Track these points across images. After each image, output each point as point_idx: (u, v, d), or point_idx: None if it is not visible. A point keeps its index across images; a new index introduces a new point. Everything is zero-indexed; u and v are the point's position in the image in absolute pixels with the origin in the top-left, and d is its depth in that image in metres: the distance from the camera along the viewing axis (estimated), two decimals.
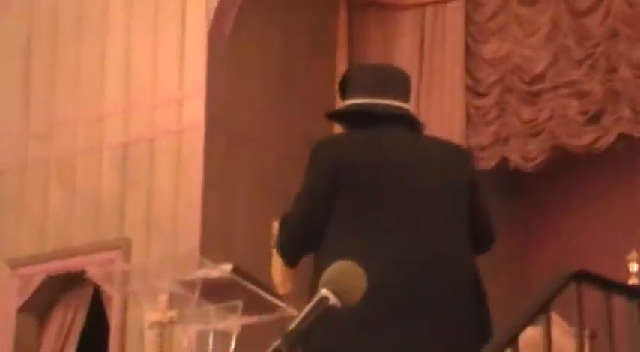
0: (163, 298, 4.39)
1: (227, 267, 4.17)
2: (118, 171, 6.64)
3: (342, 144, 2.83)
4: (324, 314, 1.76)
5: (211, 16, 6.42)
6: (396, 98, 2.85)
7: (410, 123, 2.87)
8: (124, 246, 6.46)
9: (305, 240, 2.84)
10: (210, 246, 6.07)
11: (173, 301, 4.34)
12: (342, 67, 7.14)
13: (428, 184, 2.75)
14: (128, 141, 6.66)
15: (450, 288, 2.66)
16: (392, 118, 2.83)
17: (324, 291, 1.81)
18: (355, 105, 2.85)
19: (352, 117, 2.87)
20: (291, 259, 2.93)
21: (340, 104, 2.99)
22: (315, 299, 1.80)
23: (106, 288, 6.18)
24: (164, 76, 6.59)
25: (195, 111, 6.38)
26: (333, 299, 1.79)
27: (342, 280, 1.82)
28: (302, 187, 2.87)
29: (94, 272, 6.06)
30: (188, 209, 6.26)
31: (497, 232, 2.92)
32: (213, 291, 4.09)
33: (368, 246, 2.62)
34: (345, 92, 2.92)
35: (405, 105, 2.87)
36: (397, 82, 2.90)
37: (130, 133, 6.68)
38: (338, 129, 6.70)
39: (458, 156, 2.87)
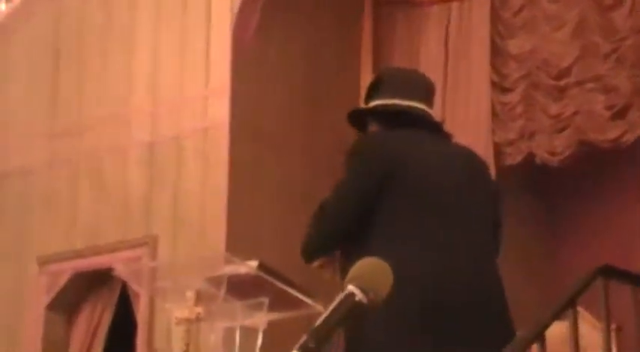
0: (190, 295, 4.41)
1: (253, 264, 4.18)
2: (145, 170, 6.68)
3: (393, 143, 2.78)
4: (350, 311, 1.76)
5: (235, 16, 6.44)
6: (425, 103, 2.88)
7: (439, 129, 2.89)
8: (151, 244, 6.49)
9: (337, 237, 2.80)
10: (237, 243, 6.10)
11: (200, 298, 4.36)
12: (367, 66, 7.15)
13: (466, 192, 2.78)
14: (155, 140, 6.71)
15: (485, 306, 2.65)
16: (426, 122, 2.85)
17: (351, 287, 1.81)
18: (395, 105, 2.84)
19: (386, 117, 2.86)
20: (316, 252, 2.88)
21: (365, 105, 2.99)
22: (342, 295, 1.81)
23: (133, 286, 6.21)
24: (190, 75, 6.63)
25: (220, 109, 6.41)
26: (359, 296, 1.79)
27: (368, 276, 1.83)
28: (347, 179, 2.78)
29: (121, 270, 6.10)
30: (214, 207, 6.29)
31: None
32: (240, 288, 4.11)
33: (419, 251, 2.61)
34: (374, 93, 2.91)
35: (431, 111, 2.91)
36: (426, 88, 2.94)
37: (156, 132, 6.72)
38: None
39: (483, 165, 2.92)
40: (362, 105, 3.02)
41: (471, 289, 2.61)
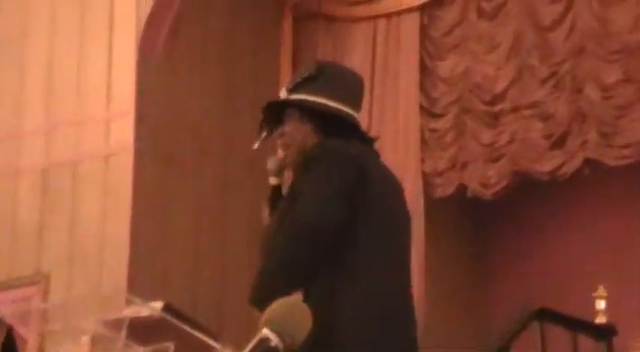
0: (86, 340, 4.34)
1: (158, 305, 4.14)
2: (37, 198, 6.58)
3: (360, 153, 2.77)
4: None
5: (142, 30, 6.41)
6: (358, 111, 2.90)
7: (373, 144, 2.92)
8: (42, 282, 6.39)
9: (317, 256, 2.61)
10: (140, 282, 6.03)
11: (97, 343, 4.30)
12: (285, 83, 7.17)
13: (405, 220, 2.84)
14: (49, 165, 6.61)
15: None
16: (364, 136, 2.88)
17: (266, 332, 1.80)
18: (339, 110, 2.83)
19: (324, 119, 2.84)
20: (294, 283, 2.58)
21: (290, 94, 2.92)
22: (255, 340, 1.79)
23: (21, 329, 6.08)
24: (90, 94, 6.55)
25: (124, 132, 6.35)
26: (275, 341, 1.78)
27: (286, 319, 1.82)
28: (318, 185, 2.67)
29: (7, 311, 5.97)
30: (115, 240, 6.21)
31: None
32: (142, 332, 4.06)
33: (387, 275, 2.66)
34: (305, 84, 2.87)
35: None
36: (361, 95, 2.95)
37: (51, 156, 6.62)
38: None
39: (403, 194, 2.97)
40: (284, 93, 2.93)
41: (413, 332, 2.74)
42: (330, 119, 2.83)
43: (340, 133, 2.81)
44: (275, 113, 2.94)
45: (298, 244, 2.61)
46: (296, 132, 2.86)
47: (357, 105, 2.89)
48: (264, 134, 2.95)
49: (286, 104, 2.91)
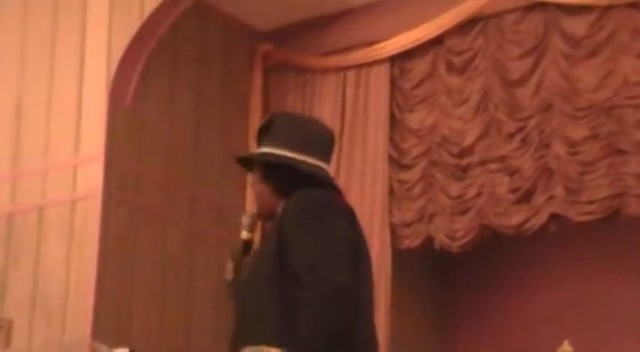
0: None
1: None
2: (0, 243, 6.57)
3: (345, 207, 2.79)
4: None
5: (112, 77, 6.46)
6: (327, 161, 2.89)
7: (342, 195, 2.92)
8: (4, 328, 6.35)
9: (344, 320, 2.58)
10: (105, 329, 6.03)
11: None
12: (255, 133, 7.23)
13: (368, 266, 2.84)
14: (14, 210, 6.61)
15: None
16: (333, 188, 2.87)
17: None
18: (306, 163, 2.82)
19: (286, 173, 2.85)
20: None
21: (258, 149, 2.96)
22: None
23: None
24: (58, 139, 6.58)
25: (91, 179, 6.37)
26: None
27: None
28: (318, 242, 2.62)
29: None
30: (80, 287, 6.21)
31: None
32: None
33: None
34: (269, 137, 2.88)
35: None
36: (330, 142, 2.94)
37: (16, 201, 6.63)
38: (250, 202, 6.79)
39: None
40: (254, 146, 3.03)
41: None
42: (295, 173, 2.84)
43: (302, 183, 2.81)
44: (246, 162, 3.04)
45: (334, 313, 2.55)
46: (259, 187, 2.93)
47: (322, 154, 2.89)
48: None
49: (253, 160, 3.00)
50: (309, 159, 2.85)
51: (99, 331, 5.97)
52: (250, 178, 3.03)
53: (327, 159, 2.91)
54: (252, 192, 3.01)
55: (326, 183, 2.85)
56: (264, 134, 2.94)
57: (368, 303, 2.76)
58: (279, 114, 3.02)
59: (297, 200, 2.75)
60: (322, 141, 2.92)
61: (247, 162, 3.03)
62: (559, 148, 6.36)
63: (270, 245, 2.75)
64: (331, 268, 2.58)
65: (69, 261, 6.32)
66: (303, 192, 2.76)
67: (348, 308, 2.56)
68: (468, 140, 6.68)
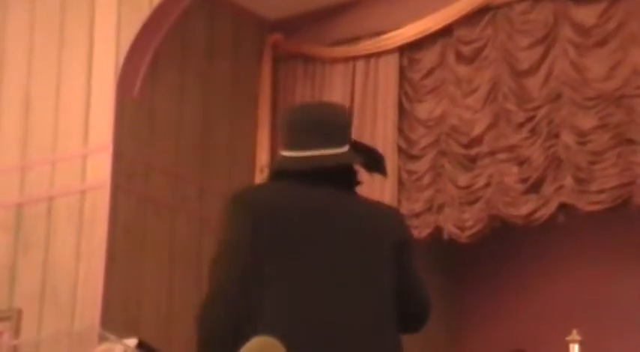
0: None
1: (132, 342, 4.17)
2: (10, 234, 6.60)
3: (262, 193, 2.76)
4: None
5: (120, 67, 6.48)
6: (322, 146, 2.81)
7: (338, 174, 2.82)
8: (13, 318, 6.39)
9: (237, 316, 2.58)
10: (113, 320, 6.05)
11: None
12: (264, 124, 7.25)
13: (348, 251, 2.71)
14: (23, 201, 6.64)
15: None
16: (316, 172, 2.79)
17: None
18: (284, 158, 2.81)
19: (275, 171, 2.84)
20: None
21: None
22: None
23: None
24: (67, 130, 6.61)
25: (100, 169, 6.40)
26: None
27: None
28: (218, 248, 2.67)
29: None
30: (89, 277, 6.24)
31: (431, 304, 2.84)
32: None
33: (292, 324, 2.56)
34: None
35: (340, 150, 2.81)
36: (325, 126, 2.84)
37: (25, 191, 6.66)
38: None
39: (387, 220, 2.83)
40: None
41: None
42: (271, 171, 2.87)
43: (277, 176, 2.82)
44: None
45: (211, 315, 2.60)
46: None
47: (300, 142, 2.81)
48: None
49: None
50: (292, 153, 2.81)
51: (108, 321, 5.99)
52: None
53: (326, 143, 2.82)
54: None
55: (307, 174, 2.79)
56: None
57: (319, 290, 2.64)
58: (285, 111, 3.03)
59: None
60: (318, 128, 2.83)
61: None
62: (568, 138, 6.36)
63: None
64: (216, 276, 2.64)
65: (78, 251, 6.35)
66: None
67: (231, 308, 2.59)
68: (477, 130, 6.68)
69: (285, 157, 2.81)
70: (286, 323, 2.56)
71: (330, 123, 2.85)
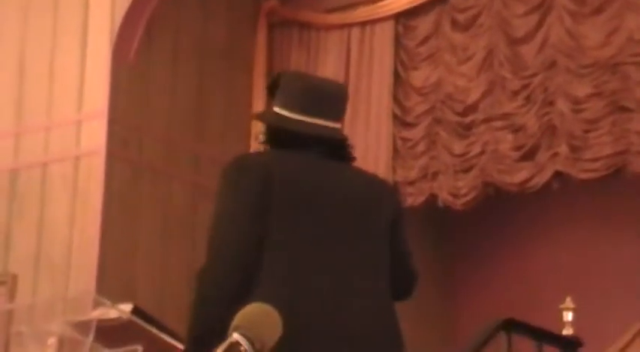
0: (52, 342, 4.37)
1: (126, 307, 4.17)
2: (4, 199, 6.59)
3: (267, 159, 2.75)
4: None
5: (115, 34, 6.44)
6: (328, 118, 2.86)
7: (338, 148, 2.87)
8: (8, 283, 6.39)
9: (241, 275, 2.58)
10: (108, 285, 6.06)
11: (64, 345, 4.33)
12: (259, 91, 7.22)
13: (348, 221, 2.76)
14: (18, 166, 6.62)
15: (368, 338, 2.68)
16: (320, 142, 2.84)
17: (236, 336, 1.86)
18: (286, 119, 2.82)
19: (277, 131, 2.84)
20: (221, 316, 2.41)
21: (268, 107, 2.98)
22: (225, 344, 1.85)
23: None
24: (61, 96, 6.57)
25: (95, 135, 6.38)
26: (245, 345, 1.84)
27: (255, 324, 1.87)
28: (222, 212, 2.67)
29: None
30: (84, 243, 6.24)
31: (418, 274, 2.93)
32: (110, 335, 4.09)
33: (295, 292, 2.60)
34: (274, 95, 2.88)
35: (337, 126, 2.88)
36: (333, 99, 2.90)
37: (20, 157, 6.63)
38: None
39: (382, 191, 2.92)
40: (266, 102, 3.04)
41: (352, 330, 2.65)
42: (272, 129, 2.84)
43: (278, 142, 2.81)
44: None
45: (210, 286, 2.59)
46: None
47: (310, 108, 2.84)
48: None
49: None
50: (299, 117, 2.83)
51: (103, 287, 5.99)
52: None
53: (331, 116, 2.88)
54: None
55: (312, 142, 2.82)
56: (272, 93, 2.94)
57: (322, 257, 2.68)
58: (286, 73, 3.02)
59: (222, 169, 2.78)
60: (326, 99, 2.89)
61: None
62: (563, 106, 6.35)
63: None
64: (222, 231, 2.65)
65: (73, 217, 6.34)
66: (228, 162, 2.79)
67: (238, 271, 2.58)
68: (472, 97, 6.66)
69: (289, 118, 2.82)
70: (286, 290, 2.59)
71: (340, 98, 2.91)
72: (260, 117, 2.96)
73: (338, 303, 2.65)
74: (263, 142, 2.88)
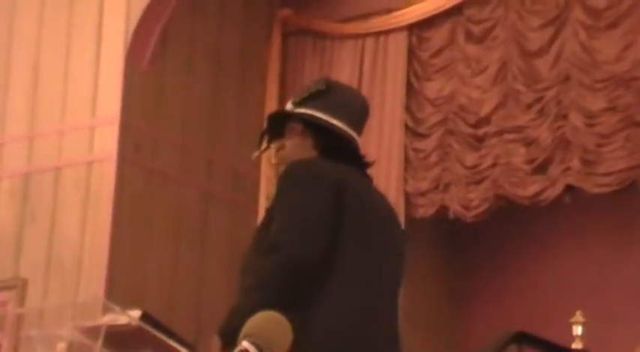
0: (62, 347, 4.36)
1: (136, 314, 4.16)
2: (17, 203, 6.60)
3: (337, 172, 2.74)
4: None
5: (130, 40, 6.45)
6: (360, 134, 2.90)
7: (366, 166, 2.91)
8: (19, 287, 6.39)
9: (300, 287, 2.55)
10: (118, 291, 6.06)
11: (73, 350, 4.32)
12: (272, 99, 7.23)
13: (391, 241, 2.83)
14: (30, 170, 6.63)
15: None
16: (358, 158, 2.87)
17: (246, 344, 1.85)
18: (342, 131, 2.81)
19: (325, 136, 2.83)
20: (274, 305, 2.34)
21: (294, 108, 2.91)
22: (235, 351, 1.85)
23: None
24: (75, 101, 6.59)
25: (108, 140, 6.39)
26: None
27: (266, 333, 1.87)
28: (292, 208, 2.63)
29: None
30: (94, 248, 6.24)
31: None
32: (119, 340, 4.08)
33: (365, 311, 2.66)
34: (312, 100, 2.86)
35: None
36: (364, 114, 2.95)
37: (33, 161, 6.64)
38: (266, 167, 6.79)
39: (395, 214, 2.97)
40: (289, 105, 2.92)
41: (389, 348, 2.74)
42: (331, 138, 2.82)
43: (336, 153, 2.80)
44: (278, 125, 2.91)
45: (276, 285, 2.54)
46: (295, 146, 2.84)
47: (359, 127, 2.88)
48: (264, 145, 2.92)
49: (290, 117, 2.89)
50: (347, 129, 2.86)
51: (112, 293, 5.99)
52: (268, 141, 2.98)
53: (360, 130, 2.92)
54: (279, 155, 2.91)
55: (354, 156, 2.85)
56: (310, 97, 2.90)
57: (376, 282, 2.73)
58: (332, 81, 3.00)
59: (287, 169, 2.74)
60: (361, 115, 2.93)
61: (281, 122, 2.93)
62: (576, 119, 6.34)
63: (267, 208, 2.81)
64: (296, 235, 2.59)
65: (84, 222, 6.35)
66: (296, 161, 2.76)
67: (296, 284, 2.55)
68: (485, 110, 6.66)
69: (344, 130, 2.82)
70: (357, 306, 2.65)
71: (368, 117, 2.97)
72: (314, 119, 2.85)
73: (381, 321, 2.73)
74: (317, 144, 2.82)
